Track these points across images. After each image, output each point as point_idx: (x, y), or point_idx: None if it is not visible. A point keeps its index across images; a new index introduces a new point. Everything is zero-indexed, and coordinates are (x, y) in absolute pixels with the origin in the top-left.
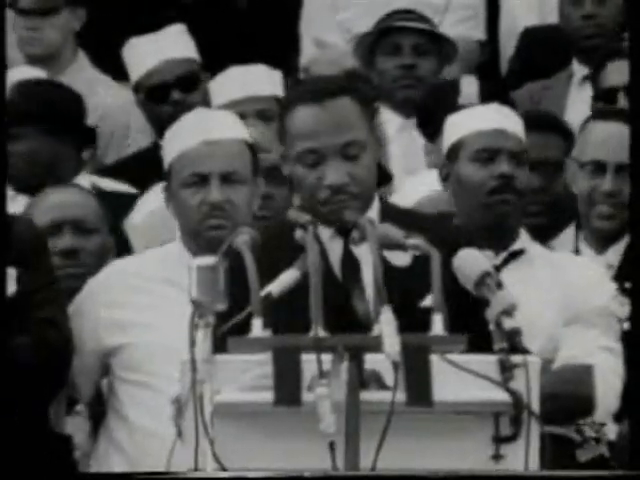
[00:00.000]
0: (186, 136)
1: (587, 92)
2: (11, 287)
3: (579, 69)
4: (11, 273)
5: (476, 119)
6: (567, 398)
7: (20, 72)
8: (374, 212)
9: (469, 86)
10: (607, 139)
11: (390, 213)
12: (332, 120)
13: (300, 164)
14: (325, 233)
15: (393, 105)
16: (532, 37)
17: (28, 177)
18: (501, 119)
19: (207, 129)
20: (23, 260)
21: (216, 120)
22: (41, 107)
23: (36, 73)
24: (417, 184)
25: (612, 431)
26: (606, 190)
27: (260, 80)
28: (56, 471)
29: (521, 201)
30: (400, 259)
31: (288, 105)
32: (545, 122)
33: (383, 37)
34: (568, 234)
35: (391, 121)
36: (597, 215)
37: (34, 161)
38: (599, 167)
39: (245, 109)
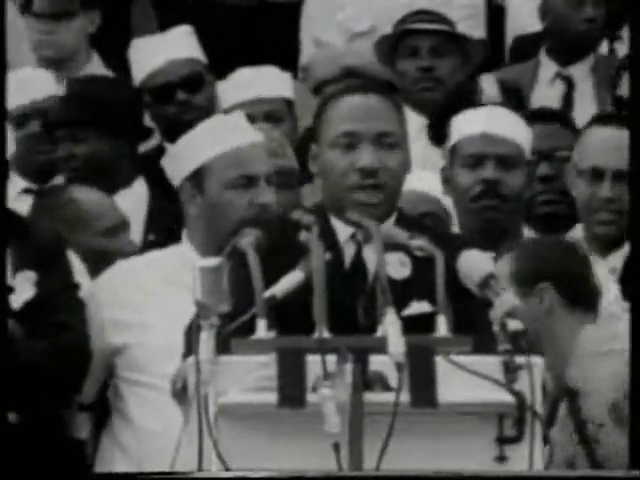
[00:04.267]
0: (228, 136)
1: (556, 90)
2: (28, 290)
3: (549, 65)
4: (29, 276)
5: (466, 123)
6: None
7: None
8: (391, 220)
9: (490, 86)
10: (605, 145)
11: (403, 222)
12: (373, 109)
13: (334, 148)
14: (344, 234)
15: (414, 106)
16: (522, 45)
17: (90, 180)
18: (489, 123)
19: (249, 131)
20: (43, 263)
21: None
22: (101, 109)
23: (43, 75)
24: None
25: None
26: (605, 197)
27: (269, 81)
28: (69, 474)
29: (511, 205)
30: (399, 272)
31: (334, 95)
32: (549, 113)
33: (401, 39)
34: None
35: (413, 121)
36: (597, 221)
37: (96, 164)
38: (597, 173)
39: (254, 111)
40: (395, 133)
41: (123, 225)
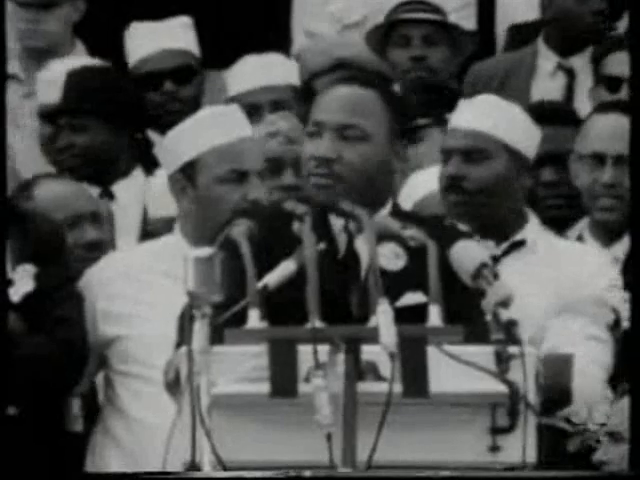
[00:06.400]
0: (221, 130)
1: (556, 82)
2: (28, 284)
3: (547, 55)
4: (28, 269)
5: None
6: (546, 389)
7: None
8: (384, 211)
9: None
10: (605, 131)
11: (397, 214)
12: (346, 101)
13: (307, 136)
14: (337, 225)
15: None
16: (517, 34)
17: (92, 170)
18: (458, 116)
19: (244, 125)
20: (42, 257)
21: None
22: (102, 98)
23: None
24: (422, 181)
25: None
26: (606, 182)
27: (275, 69)
28: (65, 468)
29: (477, 198)
30: (393, 263)
31: (330, 84)
32: (552, 113)
33: (393, 29)
34: (579, 227)
35: None
36: (599, 208)
37: (96, 154)
38: (598, 159)
39: (260, 99)
40: (362, 127)
41: (90, 216)
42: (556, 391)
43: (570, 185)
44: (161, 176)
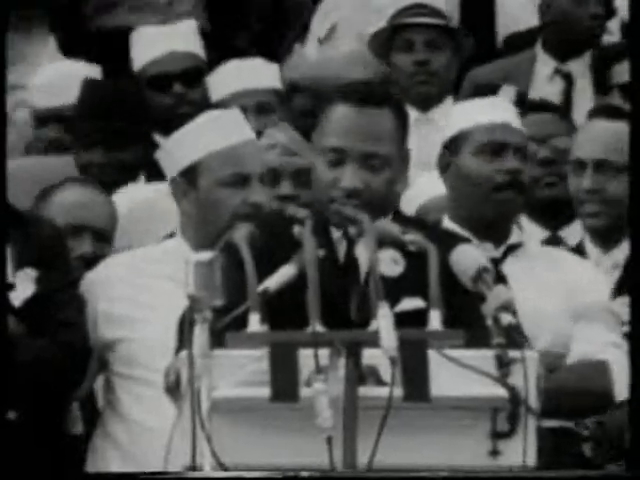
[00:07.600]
0: (223, 134)
1: (555, 87)
2: (29, 288)
3: (545, 60)
4: (29, 273)
5: (482, 112)
6: (583, 394)
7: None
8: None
9: (505, 95)
10: (586, 137)
11: (397, 218)
12: (365, 127)
13: (322, 159)
14: (337, 233)
15: (409, 100)
16: (516, 41)
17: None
18: (507, 113)
19: (245, 128)
20: (43, 261)
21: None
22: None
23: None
24: (426, 185)
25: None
26: (586, 187)
27: (258, 73)
28: (65, 470)
29: (523, 196)
30: (392, 269)
31: (332, 99)
32: (541, 104)
33: (396, 33)
34: (575, 230)
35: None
36: (585, 214)
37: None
38: (580, 165)
39: (244, 102)
40: (385, 154)
41: (93, 230)
42: (596, 397)
43: (563, 164)
44: None
